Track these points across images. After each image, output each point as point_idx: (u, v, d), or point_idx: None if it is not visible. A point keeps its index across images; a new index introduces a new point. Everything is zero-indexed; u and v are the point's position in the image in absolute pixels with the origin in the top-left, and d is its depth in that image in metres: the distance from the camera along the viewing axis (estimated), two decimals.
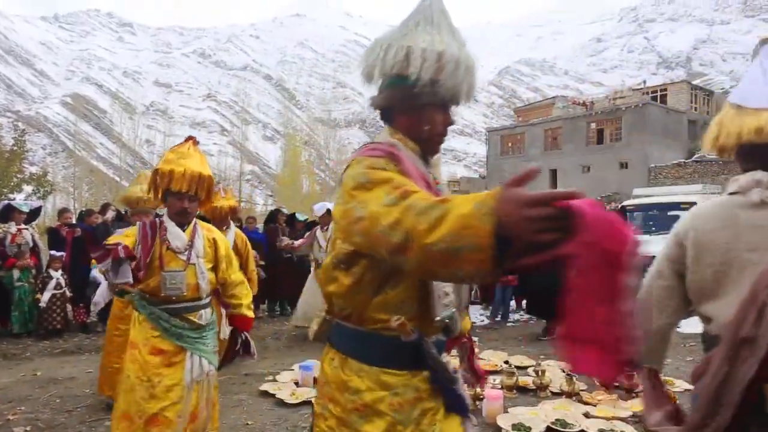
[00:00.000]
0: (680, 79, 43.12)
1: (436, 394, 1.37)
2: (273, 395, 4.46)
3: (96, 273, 4.17)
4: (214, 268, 2.82)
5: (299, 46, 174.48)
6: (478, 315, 8.65)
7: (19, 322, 7.09)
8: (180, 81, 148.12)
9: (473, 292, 8.96)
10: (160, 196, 2.76)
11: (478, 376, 1.92)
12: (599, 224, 0.87)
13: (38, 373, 5.36)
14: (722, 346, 1.33)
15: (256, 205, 55.72)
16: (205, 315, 2.75)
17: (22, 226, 7.40)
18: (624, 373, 1.20)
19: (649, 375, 1.64)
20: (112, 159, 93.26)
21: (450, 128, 1.46)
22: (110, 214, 8.13)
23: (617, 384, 4.50)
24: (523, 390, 4.56)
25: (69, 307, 7.37)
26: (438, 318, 1.34)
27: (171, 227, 2.72)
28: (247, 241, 5.24)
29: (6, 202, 8.33)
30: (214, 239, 2.85)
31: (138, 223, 2.79)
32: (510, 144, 37.89)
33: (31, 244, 7.41)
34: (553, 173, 33.31)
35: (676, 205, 9.38)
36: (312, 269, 7.03)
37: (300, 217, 9.83)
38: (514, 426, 3.63)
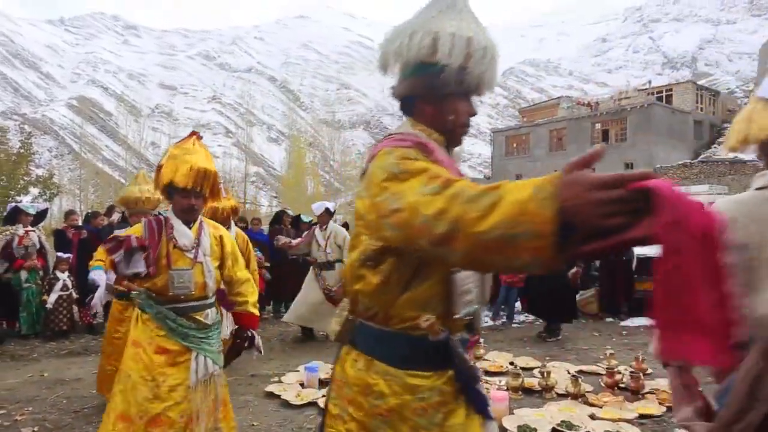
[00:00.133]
0: (686, 80, 42.94)
1: (458, 394, 1.35)
2: (278, 396, 4.48)
3: (93, 276, 4.09)
4: (220, 266, 2.79)
5: (303, 47, 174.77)
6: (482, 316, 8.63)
7: (27, 324, 7.15)
8: (185, 83, 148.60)
9: None
10: (164, 193, 2.71)
11: None
12: (682, 204, 0.83)
13: (45, 374, 5.40)
14: (758, 342, 1.30)
15: (261, 206, 55.81)
16: (211, 314, 2.72)
17: (29, 228, 7.45)
18: (737, 359, 1.17)
19: (679, 373, 1.59)
20: (118, 161, 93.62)
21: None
22: (116, 216, 8.18)
23: (624, 386, 4.50)
24: (528, 391, 4.55)
25: (75, 308, 7.42)
26: (460, 315, 1.32)
27: (177, 225, 2.67)
28: (249, 241, 5.26)
29: (13, 204, 8.38)
30: (221, 237, 2.82)
31: (143, 220, 2.73)
32: (515, 145, 37.85)
33: (38, 246, 7.46)
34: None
35: None
36: (311, 270, 7.02)
37: (305, 218, 9.84)
38: (519, 427, 3.63)
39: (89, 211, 12.04)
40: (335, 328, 1.42)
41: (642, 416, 3.89)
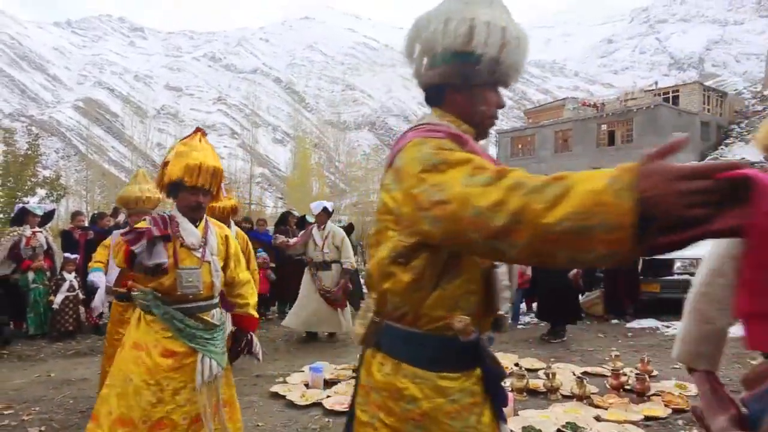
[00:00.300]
0: (692, 81, 42.72)
1: (486, 394, 1.32)
2: (283, 397, 4.48)
3: (92, 278, 4.05)
4: (224, 267, 2.75)
5: (308, 48, 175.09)
6: None
7: (34, 324, 7.20)
8: (190, 85, 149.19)
9: None
10: (167, 190, 2.63)
11: None
12: None
13: (52, 374, 5.43)
14: None
15: (267, 207, 55.90)
16: (217, 314, 2.69)
17: (37, 229, 7.50)
18: None
19: (707, 378, 1.54)
20: (124, 162, 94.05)
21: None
22: (122, 217, 8.22)
23: (629, 388, 4.48)
24: (533, 393, 4.53)
25: (82, 309, 7.46)
26: (501, 312, 1.29)
27: (184, 223, 2.59)
28: (248, 241, 5.27)
29: (20, 205, 8.44)
30: (226, 237, 2.80)
31: (147, 217, 2.64)
32: (520, 146, 37.77)
33: (45, 247, 7.51)
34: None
35: None
36: (306, 270, 7.00)
37: (310, 219, 9.84)
38: (524, 429, 3.61)
39: (95, 212, 12.11)
40: (359, 330, 1.34)
41: (648, 418, 3.87)
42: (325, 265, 6.80)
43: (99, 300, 3.98)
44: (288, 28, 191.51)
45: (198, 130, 2.76)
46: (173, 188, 2.59)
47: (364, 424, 1.32)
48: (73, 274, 7.36)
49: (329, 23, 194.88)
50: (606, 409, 4.05)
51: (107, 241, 4.25)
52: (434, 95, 1.36)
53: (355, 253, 12.35)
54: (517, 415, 3.87)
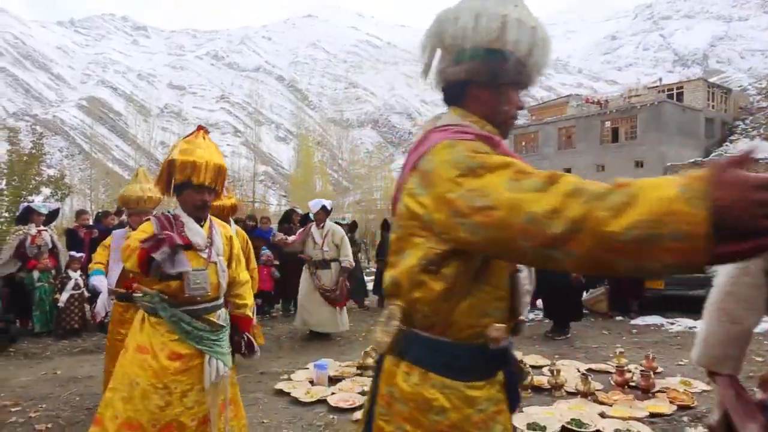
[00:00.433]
0: (697, 77, 42.52)
1: (505, 398, 1.30)
2: (288, 394, 4.50)
3: (95, 282, 3.99)
4: (227, 267, 2.73)
5: (311, 47, 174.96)
6: None
7: (41, 322, 7.24)
8: (193, 83, 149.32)
9: None
10: (171, 189, 2.57)
11: None
12: None
13: (58, 372, 5.46)
14: None
15: (270, 205, 56.03)
16: (223, 315, 2.67)
17: (42, 227, 7.54)
18: None
19: (732, 383, 1.52)
20: (128, 161, 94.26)
21: None
22: (125, 216, 8.24)
23: (634, 385, 4.48)
24: (538, 389, 4.54)
25: (87, 307, 7.50)
26: (522, 317, 1.27)
27: (189, 223, 2.53)
28: (248, 240, 5.28)
29: (25, 204, 8.47)
30: (230, 237, 2.78)
31: (151, 217, 2.59)
32: (524, 143, 37.68)
33: (50, 245, 7.55)
34: (567, 172, 33.12)
35: None
36: (305, 269, 7.00)
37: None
38: (529, 425, 3.62)
39: (100, 210, 12.15)
40: (383, 339, 1.27)
41: (652, 415, 3.87)
42: (324, 264, 6.80)
43: (101, 305, 3.93)
44: (291, 26, 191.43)
45: (200, 128, 2.71)
46: (178, 187, 2.54)
47: None
48: (79, 272, 7.40)
49: (332, 21, 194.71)
50: (611, 405, 4.05)
51: (107, 241, 4.19)
52: (456, 93, 1.31)
53: (359, 251, 12.38)
54: (522, 411, 3.87)
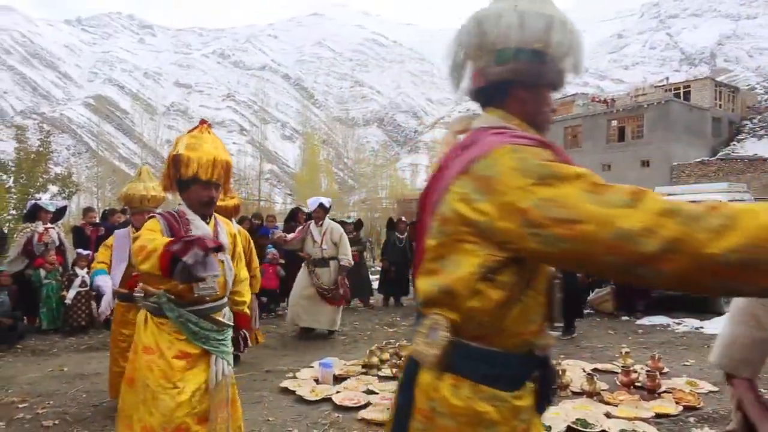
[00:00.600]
0: (704, 76, 42.26)
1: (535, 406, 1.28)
2: (293, 392, 4.50)
3: (99, 282, 3.99)
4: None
5: (317, 45, 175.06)
6: None
7: (48, 319, 7.29)
8: (200, 81, 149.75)
9: None
10: (173, 185, 2.52)
11: None
12: None
13: (65, 369, 5.50)
14: None
15: (275, 203, 56.14)
16: (228, 314, 2.65)
17: (49, 225, 7.60)
18: None
19: (750, 386, 1.51)
20: (134, 159, 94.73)
21: None
22: (129, 215, 8.28)
23: (640, 385, 4.47)
24: None
25: (94, 304, 7.54)
26: (557, 323, 1.29)
27: (195, 221, 2.48)
28: (250, 239, 5.29)
29: (33, 201, 8.54)
30: (234, 234, 2.77)
31: (156, 216, 2.51)
32: None
33: (57, 243, 7.60)
34: None
35: None
36: (303, 266, 6.98)
37: None
38: None
39: (106, 208, 12.20)
40: (430, 351, 1.19)
41: (658, 415, 3.86)
42: (323, 262, 6.79)
43: (105, 305, 3.93)
44: (296, 24, 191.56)
45: (203, 121, 2.65)
46: (184, 183, 2.48)
47: None
48: (85, 269, 7.42)
49: (338, 20, 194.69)
50: (616, 405, 4.04)
51: (108, 241, 4.18)
52: (494, 94, 1.27)
53: (365, 250, 12.38)
54: None
